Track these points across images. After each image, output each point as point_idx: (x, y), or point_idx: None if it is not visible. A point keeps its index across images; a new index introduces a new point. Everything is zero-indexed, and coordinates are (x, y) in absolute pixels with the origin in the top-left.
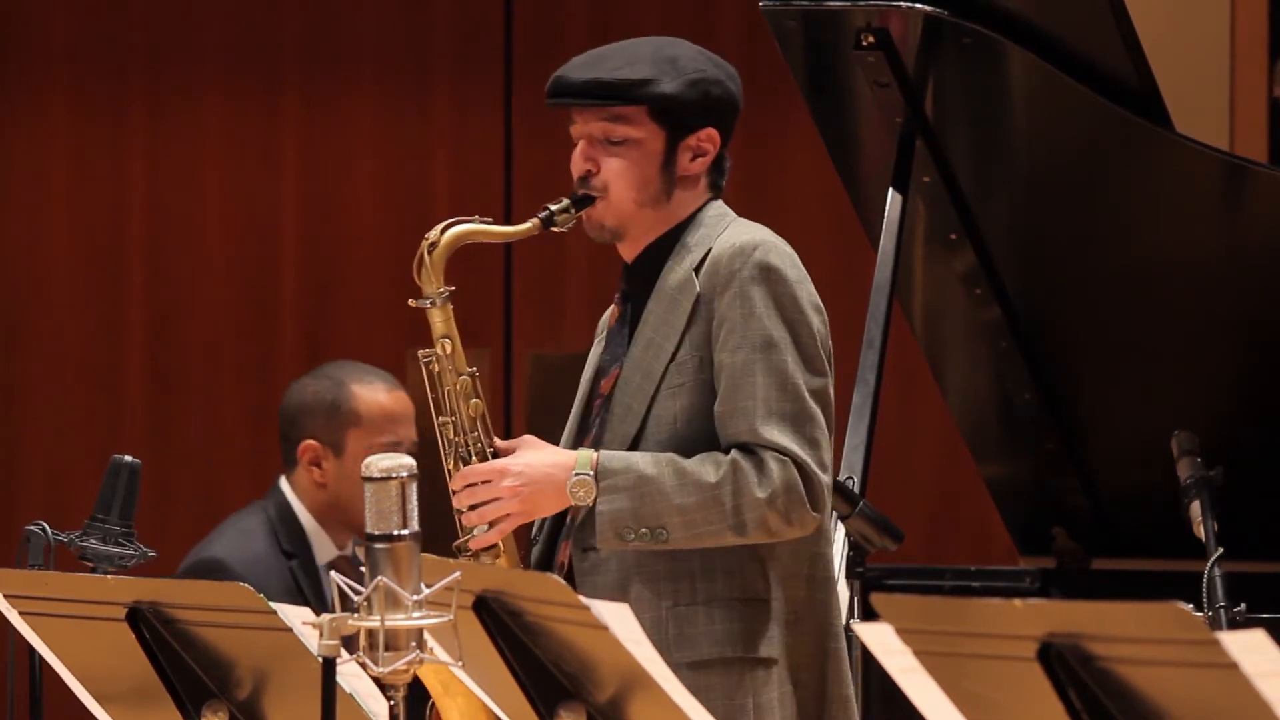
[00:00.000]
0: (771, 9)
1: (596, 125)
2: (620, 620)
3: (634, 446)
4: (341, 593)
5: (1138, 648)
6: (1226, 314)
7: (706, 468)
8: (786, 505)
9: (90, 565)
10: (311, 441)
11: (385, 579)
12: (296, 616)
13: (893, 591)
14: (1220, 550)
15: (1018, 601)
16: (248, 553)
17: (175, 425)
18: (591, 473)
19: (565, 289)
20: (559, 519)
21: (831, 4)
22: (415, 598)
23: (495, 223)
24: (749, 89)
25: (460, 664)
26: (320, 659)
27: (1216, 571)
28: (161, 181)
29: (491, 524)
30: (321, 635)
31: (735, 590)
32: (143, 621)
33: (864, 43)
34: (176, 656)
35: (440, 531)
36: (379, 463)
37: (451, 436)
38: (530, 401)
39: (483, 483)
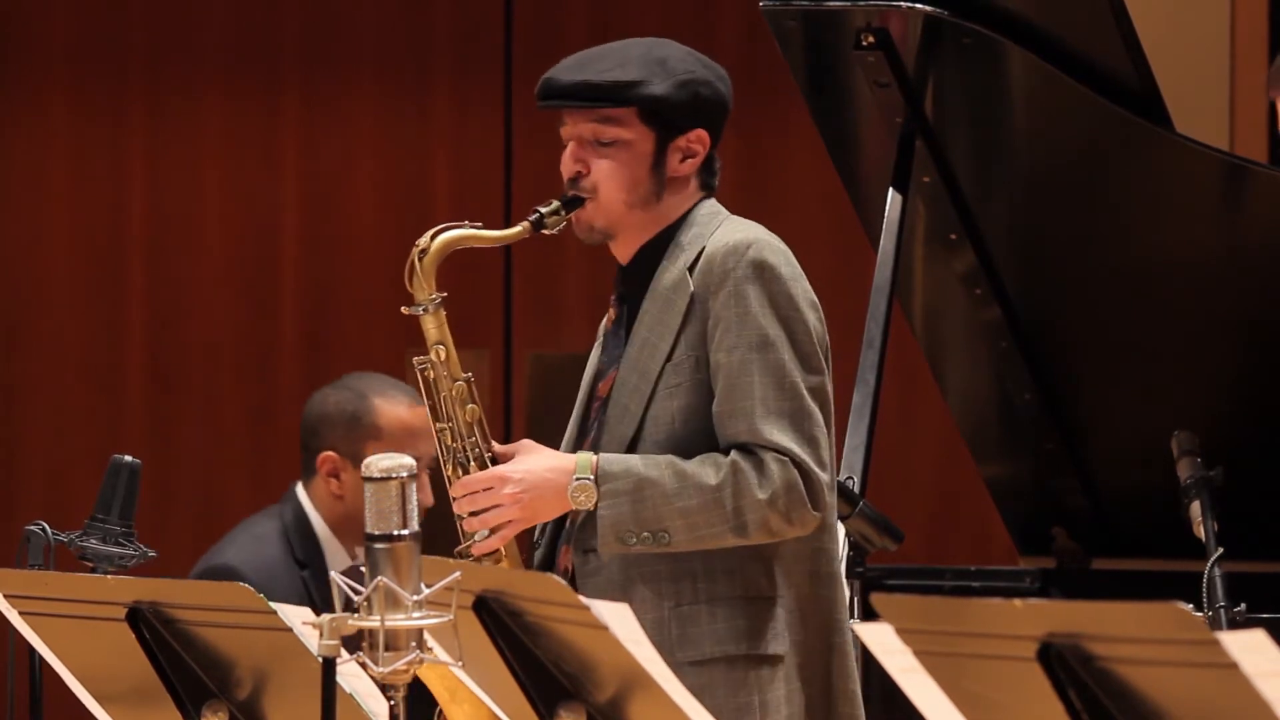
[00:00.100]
0: (771, 9)
1: (586, 127)
2: (620, 620)
3: (632, 447)
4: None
5: (1138, 648)
6: (1226, 314)
7: (707, 470)
8: (787, 505)
9: (90, 565)
10: (331, 453)
11: (385, 579)
12: (296, 616)
13: (893, 591)
14: (1220, 550)
15: (1018, 601)
16: (261, 560)
17: (175, 425)
18: (592, 477)
19: (565, 289)
20: (559, 523)
21: (831, 4)
22: (415, 598)
23: (486, 227)
24: (749, 89)
25: (460, 664)
26: (320, 659)
27: (1216, 571)
28: (161, 181)
29: (493, 530)
30: (321, 635)
31: (738, 589)
32: (143, 621)
33: (864, 43)
34: (176, 656)
35: (440, 535)
36: (379, 463)
37: (449, 442)
38: (530, 402)
39: (484, 490)
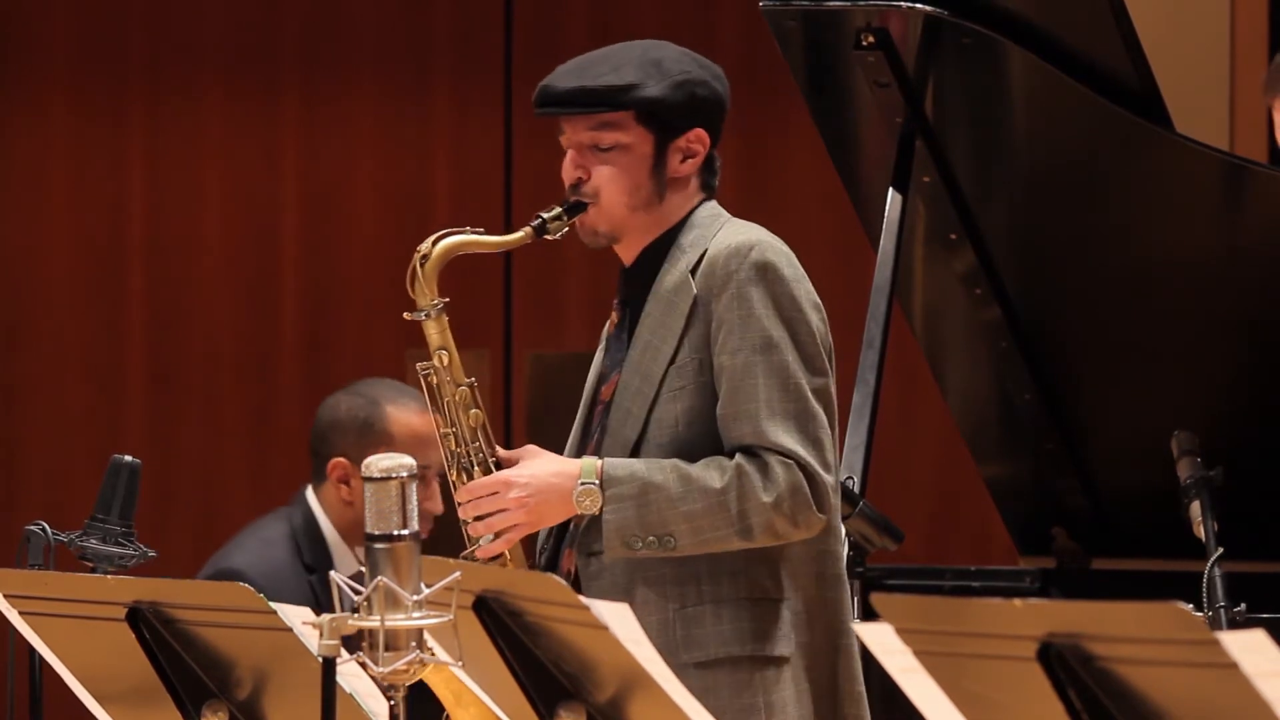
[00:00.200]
0: (771, 9)
1: (585, 133)
2: (620, 620)
3: (635, 450)
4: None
5: (1138, 648)
6: (1226, 314)
7: (711, 473)
8: (793, 508)
9: (90, 565)
10: (341, 459)
11: (385, 579)
12: (296, 616)
13: (893, 591)
14: (1220, 550)
15: (1018, 601)
16: (268, 564)
17: (175, 425)
18: (597, 481)
19: (565, 289)
20: (563, 525)
21: (831, 4)
22: (415, 598)
23: (488, 232)
24: (749, 89)
25: (460, 664)
26: (320, 659)
27: (1216, 571)
28: (161, 181)
29: (498, 534)
30: (321, 635)
31: (742, 591)
32: (143, 621)
33: (864, 43)
34: (176, 656)
35: (445, 538)
36: (379, 463)
37: (453, 447)
38: (530, 402)
39: (489, 494)
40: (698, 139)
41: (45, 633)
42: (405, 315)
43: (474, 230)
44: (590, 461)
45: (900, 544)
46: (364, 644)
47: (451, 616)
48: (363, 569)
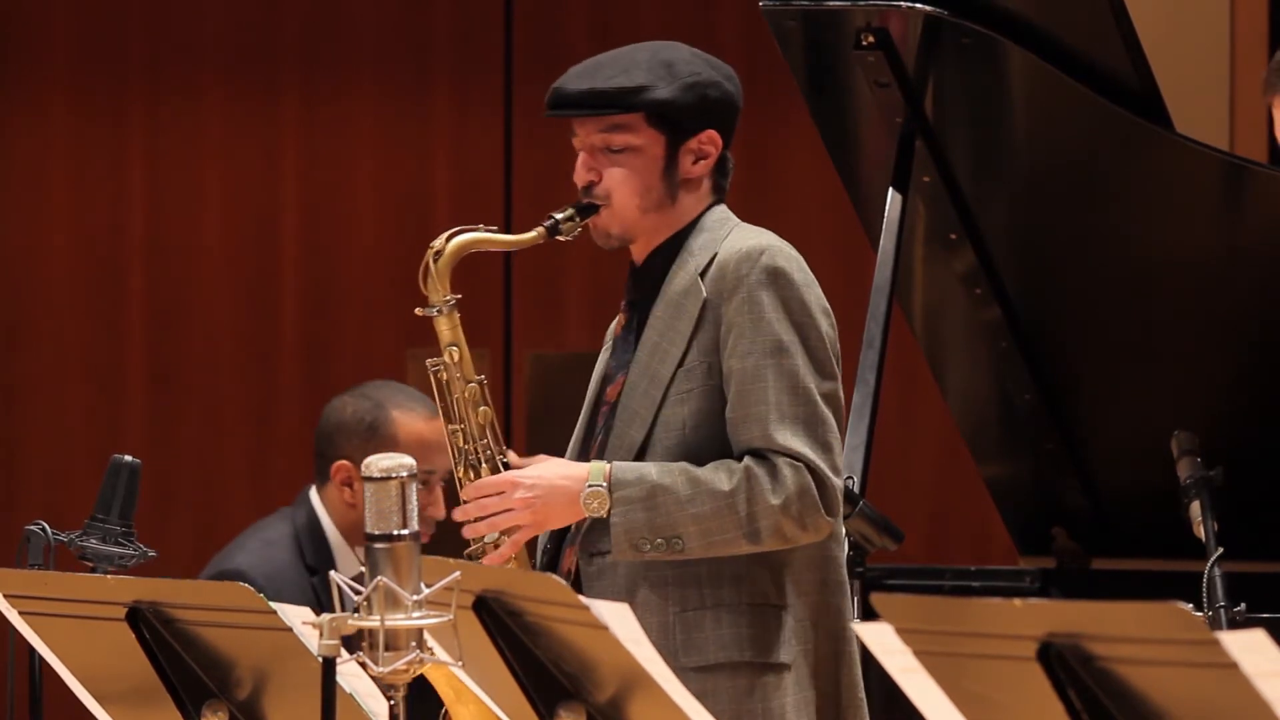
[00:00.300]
0: (771, 9)
1: (596, 135)
2: (620, 620)
3: (641, 452)
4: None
5: (1138, 648)
6: (1226, 314)
7: (720, 475)
8: (801, 511)
9: (90, 565)
10: (345, 462)
11: (385, 579)
12: (296, 616)
13: (893, 591)
14: (1220, 550)
15: (1018, 601)
16: (271, 565)
17: (175, 425)
18: (605, 484)
19: (565, 289)
20: (564, 526)
21: (831, 4)
22: (415, 598)
23: (500, 231)
24: (749, 89)
25: (460, 664)
26: (320, 659)
27: (1216, 571)
28: (161, 181)
29: (502, 535)
30: (321, 635)
31: (744, 596)
32: (143, 621)
33: (864, 43)
34: (176, 656)
35: (448, 539)
36: (379, 462)
37: (461, 444)
38: (530, 402)
39: (495, 494)
40: (709, 140)
41: (45, 633)
42: (417, 311)
43: (487, 228)
44: (599, 465)
45: (900, 544)
46: (364, 644)
47: (451, 616)
48: (364, 569)
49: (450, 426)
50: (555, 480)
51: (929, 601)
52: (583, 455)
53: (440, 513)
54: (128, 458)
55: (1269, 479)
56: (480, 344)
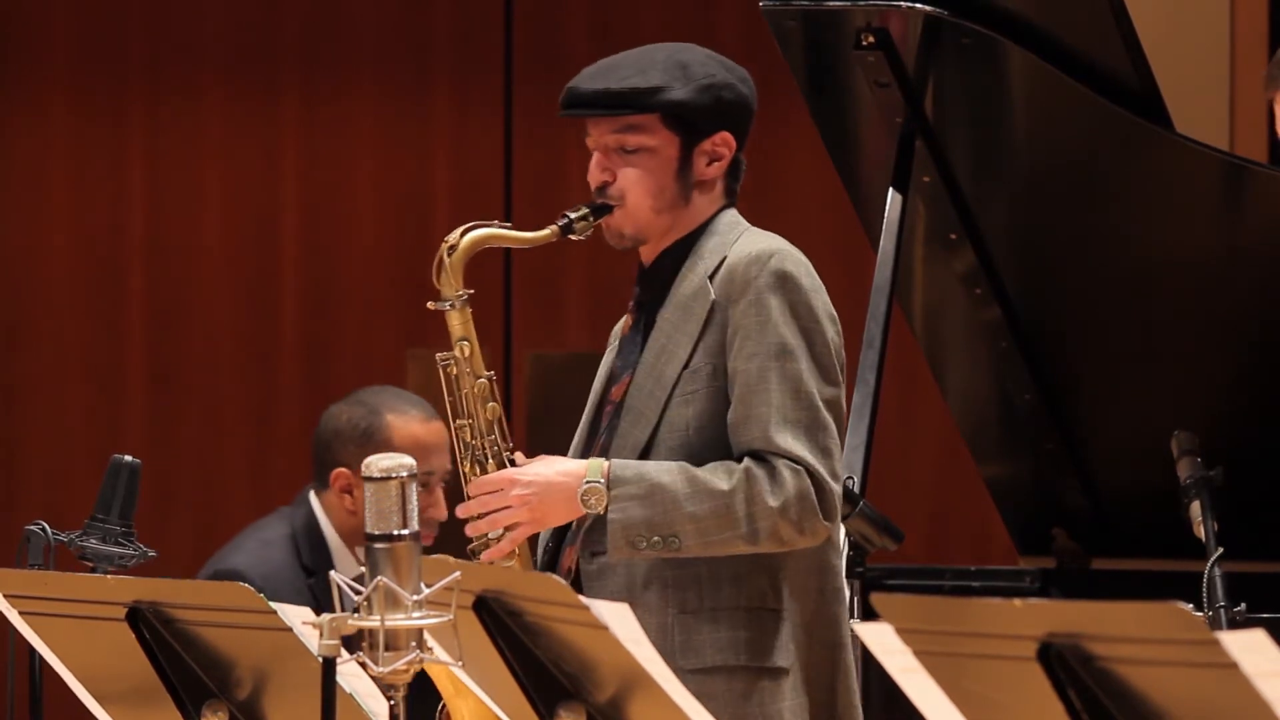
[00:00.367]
0: (771, 9)
1: (610, 136)
2: (620, 620)
3: (645, 452)
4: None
5: (1138, 648)
6: (1226, 314)
7: (719, 476)
8: (799, 514)
9: (90, 565)
10: (343, 470)
11: (385, 579)
12: (296, 616)
13: (893, 591)
14: (1220, 550)
15: (1018, 601)
16: (267, 566)
17: (175, 425)
18: (603, 480)
19: (565, 289)
20: (565, 525)
21: (831, 4)
22: (415, 598)
23: (515, 228)
24: None
25: (460, 664)
26: (320, 659)
27: (1216, 571)
28: (161, 181)
29: (505, 529)
30: (321, 635)
31: (742, 599)
32: (143, 621)
33: (864, 43)
34: (176, 656)
35: (450, 539)
36: (379, 463)
37: (468, 440)
38: (530, 401)
39: (493, 491)
40: (723, 142)
41: (45, 633)
42: (429, 305)
43: (502, 224)
44: (597, 462)
45: (900, 544)
46: (364, 644)
47: (451, 616)
48: (363, 570)
49: (458, 421)
50: (553, 477)
51: (929, 601)
52: (586, 454)
53: (442, 514)
54: (128, 458)
55: (1269, 479)
56: (480, 343)
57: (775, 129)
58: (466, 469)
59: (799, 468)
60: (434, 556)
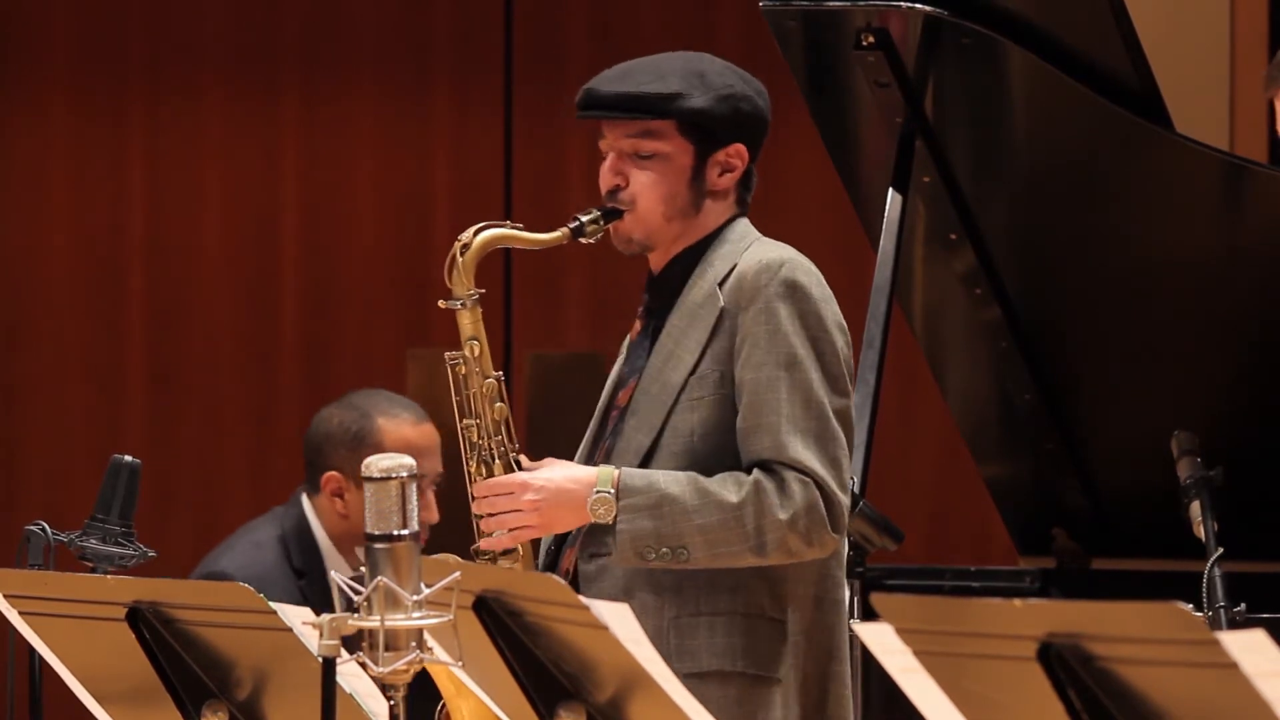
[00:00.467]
0: (771, 9)
1: (625, 140)
2: (620, 620)
3: (648, 457)
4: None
5: (1138, 648)
6: (1226, 314)
7: (728, 487)
8: (808, 527)
9: (90, 565)
10: (335, 473)
11: (385, 579)
12: (296, 616)
13: (893, 591)
14: (1220, 550)
15: (1018, 601)
16: (257, 568)
17: (175, 425)
18: (612, 490)
19: (565, 289)
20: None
21: (831, 4)
22: (415, 598)
23: (527, 229)
24: None
25: (460, 664)
26: (320, 659)
27: (1216, 571)
28: (161, 181)
29: (510, 531)
30: (321, 635)
31: (739, 605)
32: (143, 621)
33: (864, 43)
34: (176, 656)
35: (451, 538)
36: (379, 463)
37: (475, 439)
38: (530, 401)
39: (504, 494)
40: (737, 154)
41: (45, 633)
42: (440, 303)
43: (514, 225)
44: (607, 471)
45: (900, 544)
46: (364, 644)
47: (451, 616)
48: (354, 572)
49: (465, 421)
50: (563, 484)
51: (929, 601)
52: (591, 459)
53: (434, 517)
54: (128, 458)
55: (1269, 479)
56: None
57: (775, 129)
58: (473, 469)
59: (808, 480)
60: (434, 556)
